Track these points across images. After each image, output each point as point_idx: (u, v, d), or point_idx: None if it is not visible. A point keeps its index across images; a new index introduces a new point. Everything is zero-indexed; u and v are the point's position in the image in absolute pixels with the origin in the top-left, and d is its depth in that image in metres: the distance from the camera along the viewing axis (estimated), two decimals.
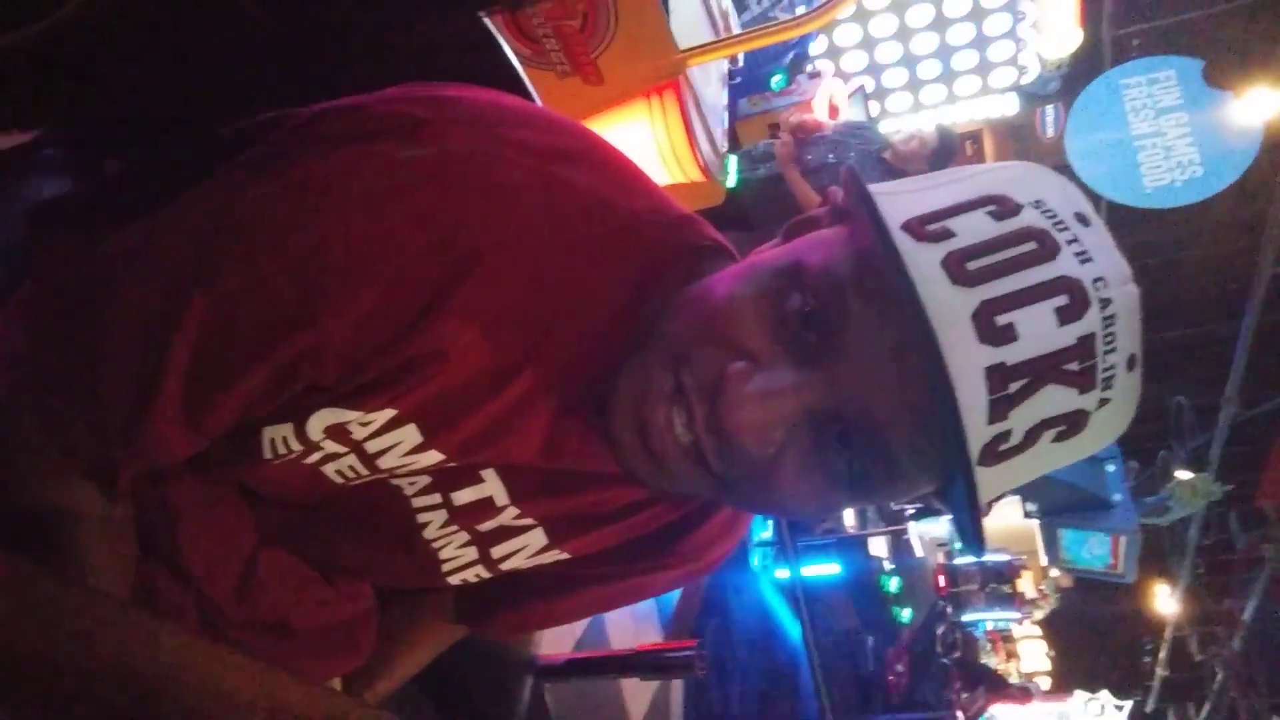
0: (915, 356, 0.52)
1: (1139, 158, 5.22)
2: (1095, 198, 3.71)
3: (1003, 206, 0.55)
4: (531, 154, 0.63)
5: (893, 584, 6.60)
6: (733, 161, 3.58)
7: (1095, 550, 5.62)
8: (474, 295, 0.59)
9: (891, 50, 6.35)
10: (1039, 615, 10.74)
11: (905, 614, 6.94)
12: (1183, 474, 6.74)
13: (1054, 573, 9.10)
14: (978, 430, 0.52)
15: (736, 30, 3.49)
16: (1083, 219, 0.56)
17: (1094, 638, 12.68)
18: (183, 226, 0.62)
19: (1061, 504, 5.82)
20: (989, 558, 8.57)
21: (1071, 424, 0.55)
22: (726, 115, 3.37)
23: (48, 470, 0.63)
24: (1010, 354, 0.51)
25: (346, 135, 0.62)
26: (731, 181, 3.53)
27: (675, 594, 4.14)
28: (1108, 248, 0.56)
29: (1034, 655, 11.49)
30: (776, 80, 5.09)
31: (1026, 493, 6.27)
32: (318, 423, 0.63)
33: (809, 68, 5.69)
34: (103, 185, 0.82)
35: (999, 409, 0.52)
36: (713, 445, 0.59)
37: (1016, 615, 9.46)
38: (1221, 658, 10.17)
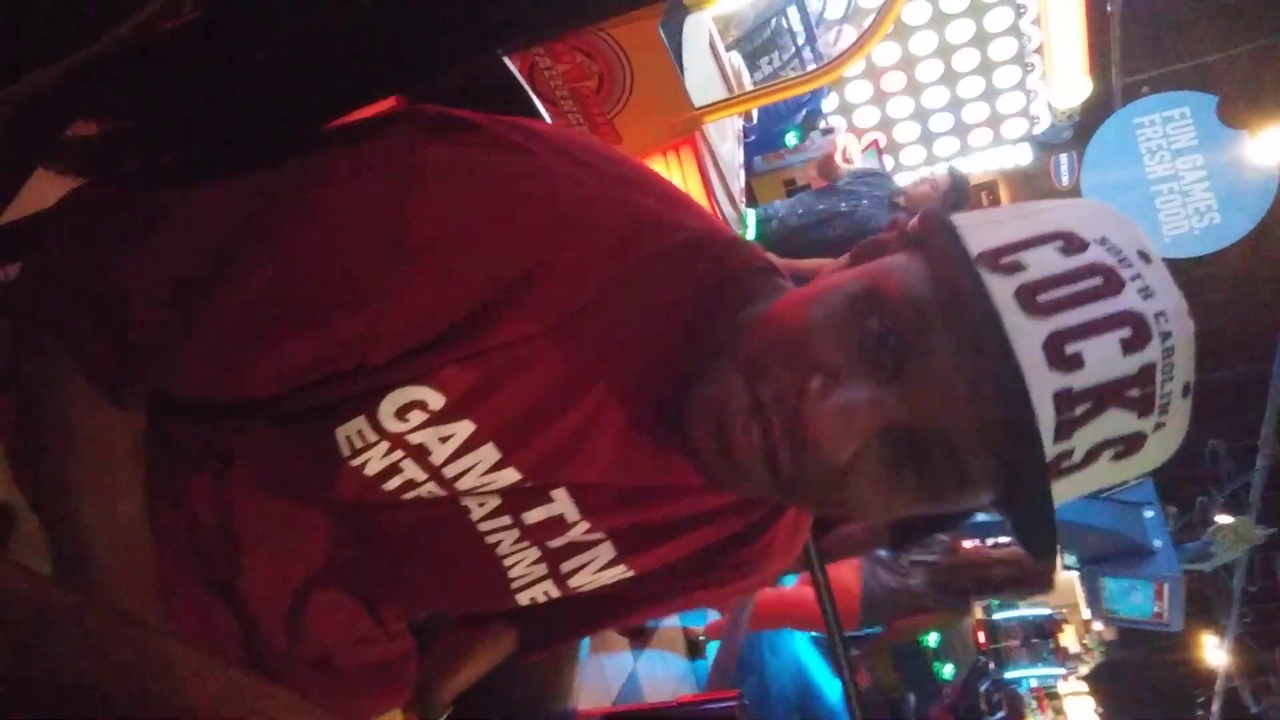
0: (990, 379, 0.55)
1: (1157, 203, 5.19)
2: None
3: (1070, 243, 0.59)
4: (608, 178, 0.68)
5: (932, 639, 6.45)
6: (751, 216, 3.62)
7: (1139, 599, 5.46)
8: (547, 301, 0.63)
9: (903, 105, 6.42)
10: (1084, 670, 10.44)
11: (947, 670, 6.76)
12: (1223, 518, 6.59)
13: (1097, 626, 8.86)
14: (1045, 449, 0.55)
15: (750, 89, 3.55)
16: (1145, 256, 0.60)
17: (1142, 692, 12.29)
18: (258, 187, 0.65)
19: (1101, 553, 5.67)
20: (1029, 611, 8.35)
21: (1129, 445, 0.58)
22: (743, 172, 3.42)
23: (58, 373, 0.66)
24: (1077, 380, 0.55)
25: (446, 132, 0.66)
26: (750, 235, 3.57)
27: (711, 651, 4.06)
28: (1168, 283, 0.59)
29: (1081, 712, 11.11)
30: (790, 138, 5.18)
31: (1065, 543, 6.13)
32: (389, 406, 0.65)
33: (822, 124, 5.77)
34: (144, 172, 0.84)
35: (1064, 430, 0.55)
36: (788, 453, 0.62)
37: (1061, 671, 9.22)
38: (1279, 708, 9.82)
